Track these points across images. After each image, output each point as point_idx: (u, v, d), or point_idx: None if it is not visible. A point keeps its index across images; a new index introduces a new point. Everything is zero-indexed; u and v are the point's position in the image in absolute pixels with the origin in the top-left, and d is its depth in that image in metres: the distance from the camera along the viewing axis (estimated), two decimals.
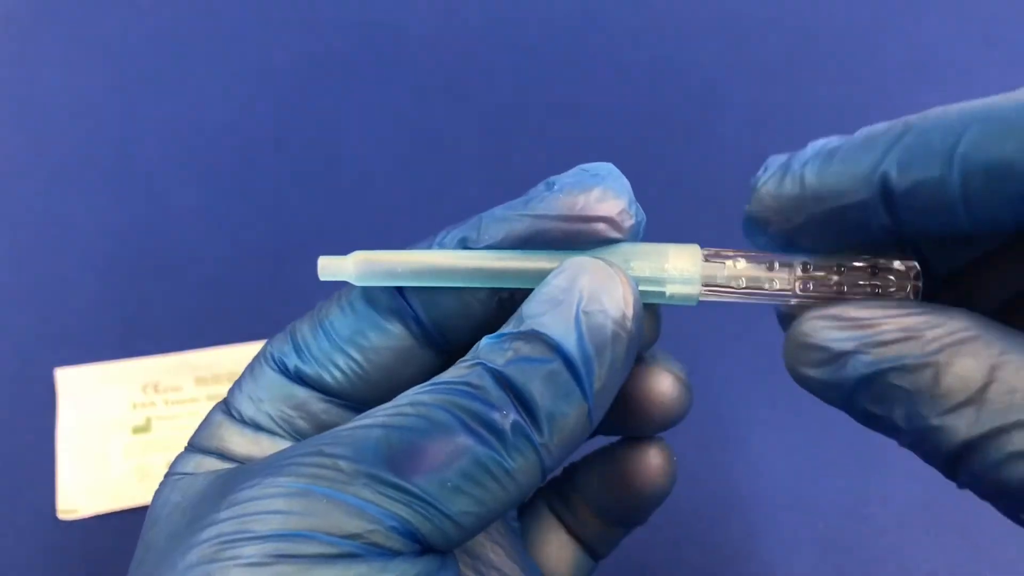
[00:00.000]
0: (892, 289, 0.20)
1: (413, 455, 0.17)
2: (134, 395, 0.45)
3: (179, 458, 0.21)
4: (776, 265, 0.21)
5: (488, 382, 0.18)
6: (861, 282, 0.20)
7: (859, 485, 0.43)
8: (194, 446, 0.21)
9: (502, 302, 0.21)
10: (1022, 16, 0.57)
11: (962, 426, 0.16)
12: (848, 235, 0.19)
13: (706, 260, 0.21)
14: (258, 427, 0.21)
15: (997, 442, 0.16)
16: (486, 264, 0.20)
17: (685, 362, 0.48)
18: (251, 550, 0.16)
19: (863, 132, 0.20)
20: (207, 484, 0.19)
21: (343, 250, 0.21)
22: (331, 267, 0.21)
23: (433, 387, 0.18)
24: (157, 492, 0.20)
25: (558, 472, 0.26)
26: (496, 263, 0.20)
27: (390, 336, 0.21)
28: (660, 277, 0.20)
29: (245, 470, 0.19)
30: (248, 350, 0.46)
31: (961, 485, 0.18)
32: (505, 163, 0.52)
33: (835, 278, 0.20)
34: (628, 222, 0.20)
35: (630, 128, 0.53)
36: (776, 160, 0.21)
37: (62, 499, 0.42)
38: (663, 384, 0.23)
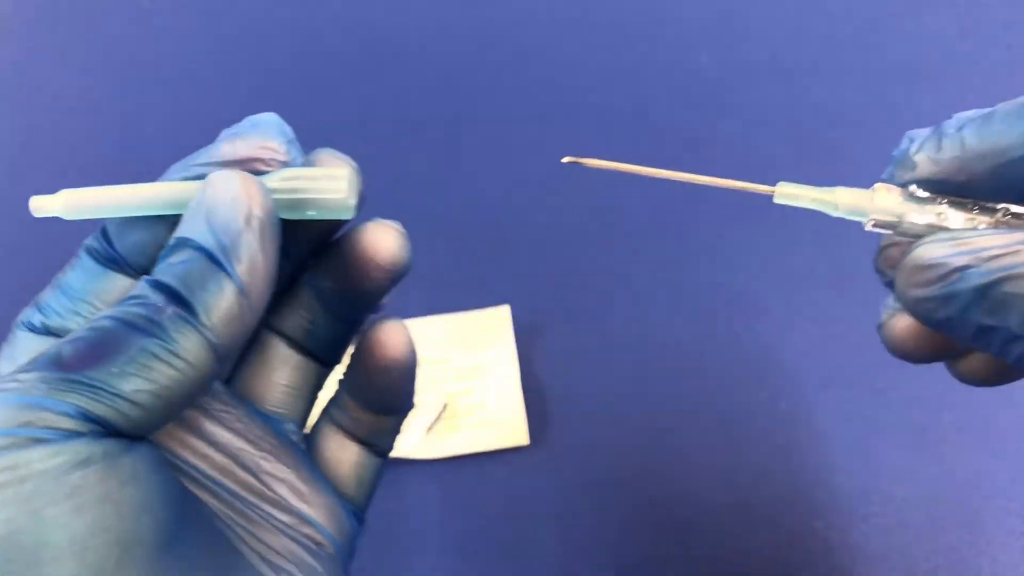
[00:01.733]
0: None
1: (82, 355, 0.19)
2: None
3: None
4: (974, 208, 0.22)
5: (147, 290, 0.21)
6: None
7: (860, 484, 0.44)
8: None
9: None
10: (1022, 16, 0.57)
11: None
12: (1010, 195, 0.22)
13: (906, 198, 0.23)
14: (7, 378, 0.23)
15: None
16: (166, 192, 0.23)
17: (684, 361, 0.48)
18: None
19: (1013, 101, 0.22)
20: None
21: None
22: (43, 205, 0.24)
23: (109, 308, 0.21)
24: None
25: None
26: (174, 190, 0.23)
27: (112, 281, 0.24)
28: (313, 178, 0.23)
29: None
30: None
31: None
32: (505, 163, 0.52)
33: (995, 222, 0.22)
34: (280, 158, 0.23)
35: (629, 128, 0.53)
36: (918, 133, 0.23)
37: None
38: (377, 234, 0.25)
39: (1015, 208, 0.22)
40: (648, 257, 0.49)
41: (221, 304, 0.21)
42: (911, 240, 0.23)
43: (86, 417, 0.19)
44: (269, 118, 0.24)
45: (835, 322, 0.47)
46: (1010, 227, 0.22)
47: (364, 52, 0.56)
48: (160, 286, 0.21)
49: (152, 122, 0.53)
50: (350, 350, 0.27)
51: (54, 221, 0.47)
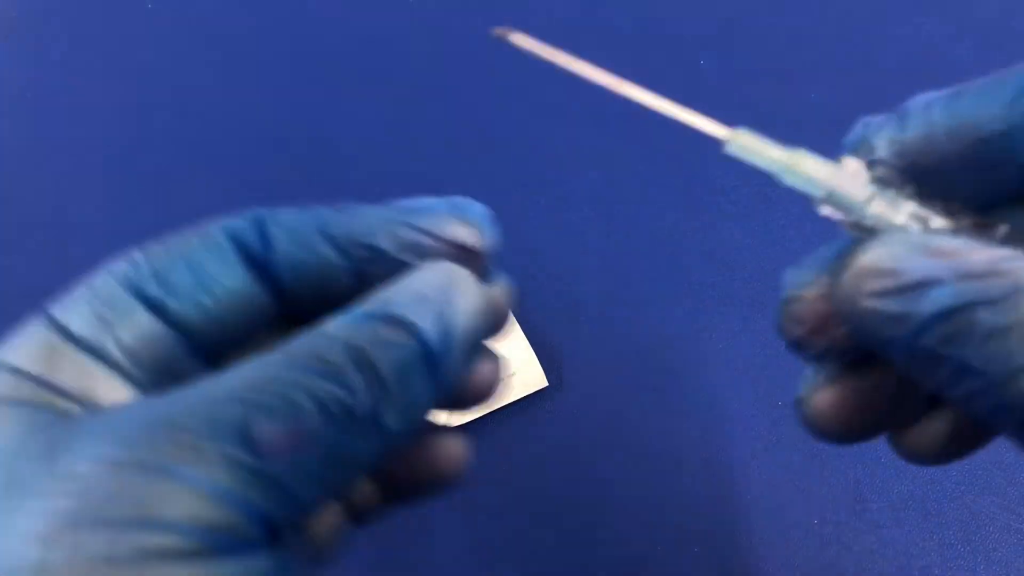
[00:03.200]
0: None
1: (275, 440, 0.16)
2: None
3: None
4: (955, 213, 0.19)
5: (350, 366, 0.17)
6: None
7: (854, 480, 0.44)
8: (6, 363, 0.18)
9: (360, 278, 0.20)
10: (1022, 16, 0.57)
11: None
12: (985, 177, 0.18)
13: (875, 184, 0.19)
14: (96, 355, 0.18)
15: None
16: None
17: (683, 362, 0.48)
18: (97, 540, 0.14)
19: (989, 76, 0.19)
20: (25, 431, 0.16)
21: None
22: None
23: (290, 361, 0.17)
24: None
25: None
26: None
27: (242, 280, 0.20)
28: None
29: (78, 428, 0.16)
30: None
31: None
32: (504, 163, 0.52)
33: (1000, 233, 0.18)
34: (481, 265, 0.21)
35: (629, 128, 0.53)
36: (874, 118, 0.20)
37: None
38: (449, 447, 0.22)
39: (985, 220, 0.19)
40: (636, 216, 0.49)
41: (417, 415, 0.18)
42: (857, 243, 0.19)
43: (268, 524, 0.16)
44: (481, 211, 0.21)
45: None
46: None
47: (365, 53, 0.56)
48: (366, 366, 0.17)
49: (152, 122, 0.54)
50: None
51: (54, 219, 0.47)
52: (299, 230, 0.20)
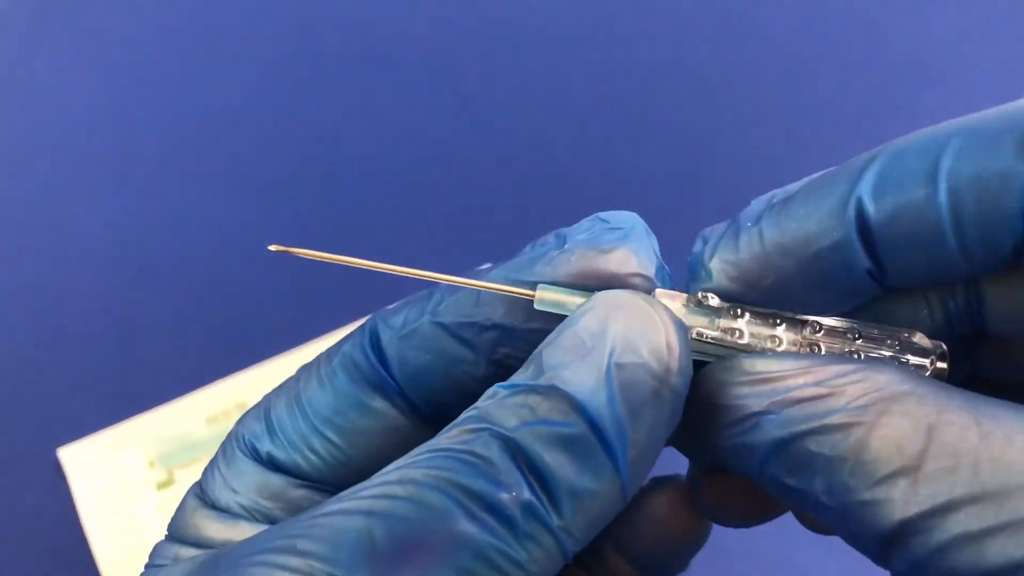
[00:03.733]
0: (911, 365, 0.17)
1: (401, 551, 0.14)
2: (148, 453, 0.44)
3: (157, 548, 0.19)
4: (779, 323, 0.17)
5: (495, 452, 0.15)
6: (879, 353, 0.17)
7: None
8: (171, 535, 0.19)
9: (495, 362, 0.18)
10: (1022, 16, 0.56)
11: (897, 501, 0.14)
12: (828, 291, 0.17)
13: (694, 306, 0.18)
14: (234, 515, 0.18)
15: (941, 522, 0.13)
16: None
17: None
18: None
19: (819, 174, 0.17)
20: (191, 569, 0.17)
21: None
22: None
23: (428, 457, 0.15)
24: None
25: None
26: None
27: (373, 415, 0.18)
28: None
29: (219, 560, 0.17)
30: (252, 375, 0.46)
31: (896, 575, 0.15)
32: (504, 164, 0.52)
33: (849, 346, 0.17)
34: (650, 286, 0.17)
35: (629, 128, 0.53)
36: (714, 230, 0.18)
37: (107, 572, 0.42)
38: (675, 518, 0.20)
39: (828, 321, 0.17)
40: None
41: (596, 504, 0.15)
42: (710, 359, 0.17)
43: None
44: (633, 222, 0.18)
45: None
46: (819, 350, 0.17)
47: (365, 53, 0.56)
48: (516, 453, 0.15)
49: (152, 122, 0.53)
50: None
51: (53, 220, 0.46)
52: (409, 328, 0.18)
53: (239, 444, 0.19)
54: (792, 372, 0.15)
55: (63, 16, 0.57)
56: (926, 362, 0.17)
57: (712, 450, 0.16)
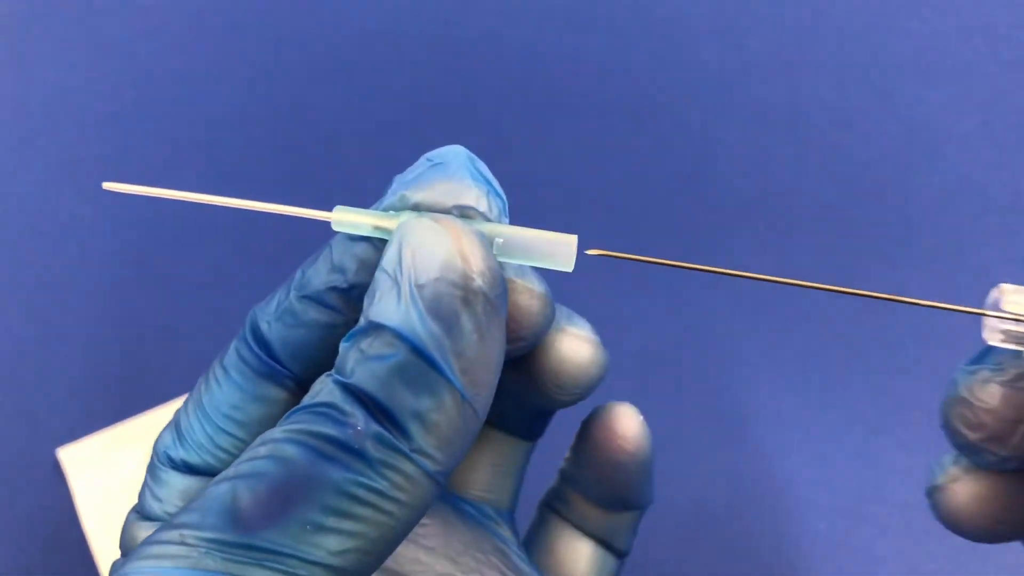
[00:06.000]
0: None
1: (265, 503, 0.15)
2: (148, 453, 0.44)
3: (113, 565, 0.19)
4: None
5: (338, 396, 0.15)
6: None
7: (861, 485, 0.43)
8: (121, 550, 0.20)
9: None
10: (1022, 16, 0.56)
11: None
12: None
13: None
14: (160, 520, 0.19)
15: None
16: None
17: (687, 364, 0.48)
18: None
19: None
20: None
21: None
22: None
23: (288, 417, 0.16)
24: None
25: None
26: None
27: (268, 402, 0.19)
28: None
29: (128, 556, 0.17)
30: None
31: None
32: (504, 164, 0.52)
33: None
34: (483, 207, 0.18)
35: (629, 128, 0.53)
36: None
37: (106, 572, 0.42)
38: (566, 346, 0.20)
39: None
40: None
41: (440, 420, 0.15)
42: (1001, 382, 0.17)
43: None
44: (455, 154, 0.18)
45: (837, 320, 0.47)
46: None
47: (364, 53, 0.56)
48: (356, 394, 0.15)
49: (152, 122, 0.53)
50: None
51: (53, 220, 0.46)
52: (281, 308, 0.19)
53: (158, 458, 0.20)
54: None
55: (63, 16, 0.57)
56: None
57: (974, 452, 0.16)
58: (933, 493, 0.19)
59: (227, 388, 0.19)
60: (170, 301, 0.48)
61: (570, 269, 0.19)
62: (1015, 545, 0.43)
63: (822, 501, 0.43)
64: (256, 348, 0.19)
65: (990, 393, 0.17)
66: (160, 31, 0.56)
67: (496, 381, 0.17)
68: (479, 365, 0.16)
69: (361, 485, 0.15)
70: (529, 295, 0.19)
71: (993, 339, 0.18)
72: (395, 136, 0.53)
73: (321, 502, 0.15)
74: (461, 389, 0.16)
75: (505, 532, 0.23)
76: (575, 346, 0.20)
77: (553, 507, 0.24)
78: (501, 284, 0.17)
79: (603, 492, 0.23)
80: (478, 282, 0.16)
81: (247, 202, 0.19)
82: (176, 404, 0.45)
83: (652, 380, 0.46)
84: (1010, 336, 0.17)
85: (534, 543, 0.24)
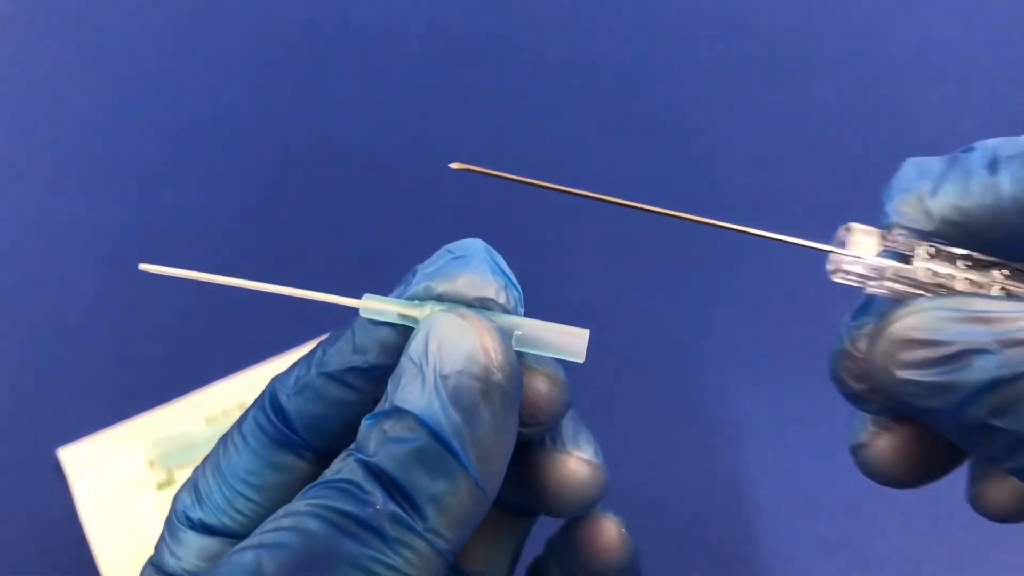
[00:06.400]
0: None
1: (285, 574, 0.16)
2: (148, 453, 0.44)
3: None
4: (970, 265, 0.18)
5: (360, 475, 0.17)
6: None
7: (862, 485, 0.43)
8: None
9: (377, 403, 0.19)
10: (1022, 16, 0.56)
11: None
12: None
13: (889, 245, 0.18)
14: None
15: None
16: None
17: (686, 364, 0.48)
18: None
19: None
20: None
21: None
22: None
23: (309, 490, 0.17)
24: None
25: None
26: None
27: (284, 469, 0.20)
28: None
29: None
30: (252, 375, 0.46)
31: None
32: (504, 163, 0.52)
33: None
34: (502, 300, 0.19)
35: (629, 128, 0.53)
36: (928, 164, 0.18)
37: (106, 572, 0.42)
38: (569, 467, 0.21)
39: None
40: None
41: (453, 504, 0.17)
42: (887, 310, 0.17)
43: None
44: (475, 248, 0.20)
45: (837, 319, 0.47)
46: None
47: (364, 53, 0.56)
48: (377, 473, 0.17)
49: (153, 122, 0.53)
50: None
51: (53, 220, 0.46)
52: (301, 383, 0.20)
53: (176, 517, 0.21)
54: (1013, 313, 0.15)
55: (64, 17, 0.57)
56: None
57: (894, 387, 0.16)
58: (856, 450, 0.21)
59: (244, 454, 0.20)
60: (170, 303, 0.48)
61: (581, 360, 0.20)
62: (1014, 545, 0.43)
63: (821, 501, 0.43)
64: (274, 418, 0.20)
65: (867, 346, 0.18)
66: (160, 32, 0.56)
67: (505, 468, 0.18)
68: (493, 454, 0.17)
69: (377, 561, 0.16)
70: (548, 382, 0.20)
71: (835, 276, 0.19)
72: (394, 137, 0.53)
73: (340, 574, 0.16)
74: (476, 476, 0.17)
75: None
76: (578, 469, 0.21)
77: None
78: (518, 378, 0.18)
79: None
80: (498, 376, 0.17)
81: (282, 288, 0.20)
82: (176, 405, 0.45)
83: (652, 380, 0.46)
84: (848, 276, 0.18)
85: None
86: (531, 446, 0.21)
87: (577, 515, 0.22)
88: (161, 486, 0.44)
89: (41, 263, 0.49)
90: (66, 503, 0.44)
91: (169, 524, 0.21)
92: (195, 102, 0.54)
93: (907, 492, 0.43)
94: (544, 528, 0.26)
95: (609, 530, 0.23)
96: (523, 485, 0.21)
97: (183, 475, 0.44)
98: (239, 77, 0.55)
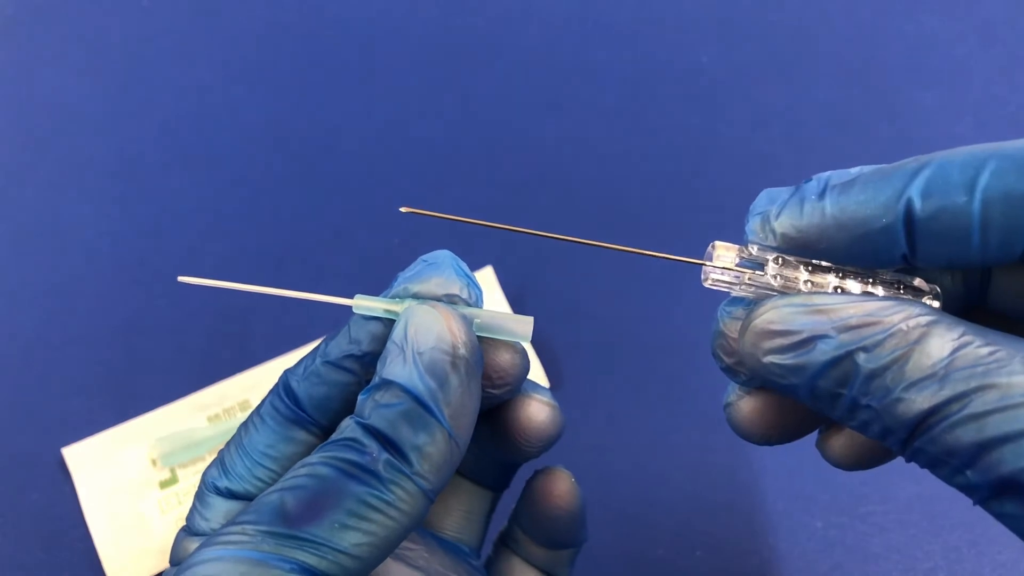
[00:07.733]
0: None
1: (305, 507, 0.20)
2: (151, 452, 0.44)
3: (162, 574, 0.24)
4: (810, 269, 0.22)
5: (360, 433, 0.21)
6: (891, 292, 0.22)
7: (859, 483, 0.44)
8: (171, 562, 0.25)
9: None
10: (1022, 16, 0.57)
11: (924, 397, 0.18)
12: (865, 262, 0.21)
13: (745, 257, 0.23)
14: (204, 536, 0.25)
15: (956, 406, 0.18)
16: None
17: (685, 363, 0.48)
18: None
19: (873, 168, 0.21)
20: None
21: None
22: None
23: (320, 448, 0.22)
24: None
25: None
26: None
27: (296, 442, 0.24)
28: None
29: (194, 552, 0.22)
30: (253, 375, 0.46)
31: (909, 457, 0.19)
32: (504, 163, 0.52)
33: (866, 286, 0.22)
34: (465, 295, 0.24)
35: (629, 128, 0.53)
36: (778, 193, 0.22)
37: (111, 572, 0.42)
38: (531, 409, 0.26)
39: (887, 275, 0.22)
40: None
41: (433, 452, 0.21)
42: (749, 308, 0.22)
43: (310, 573, 0.20)
44: (443, 257, 0.24)
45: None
46: (869, 295, 0.21)
47: (364, 53, 0.56)
48: (372, 431, 0.21)
49: (154, 122, 0.53)
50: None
51: (54, 220, 0.47)
52: (308, 371, 0.24)
53: (205, 487, 0.25)
54: (843, 305, 0.20)
55: (66, 19, 0.57)
56: (924, 300, 0.22)
57: (761, 369, 0.21)
58: (725, 409, 0.25)
59: (263, 431, 0.24)
60: (173, 303, 0.48)
61: (527, 342, 0.24)
62: (1010, 543, 0.43)
63: (819, 499, 0.43)
64: (287, 400, 0.24)
65: (737, 328, 0.23)
66: (161, 32, 0.57)
67: (473, 424, 0.22)
68: (463, 412, 0.22)
69: (375, 497, 0.21)
70: (511, 351, 0.24)
71: (706, 283, 0.24)
72: (394, 135, 0.53)
73: (346, 508, 0.20)
74: (449, 429, 0.21)
75: (476, 563, 0.29)
76: (539, 408, 0.26)
77: (506, 543, 0.30)
78: (478, 353, 0.23)
79: (544, 536, 0.29)
80: (462, 351, 0.22)
81: (288, 291, 0.25)
82: (178, 404, 0.45)
83: (652, 380, 0.46)
84: (717, 282, 0.23)
85: (491, 572, 0.30)
86: (502, 405, 0.26)
87: (539, 453, 0.26)
88: (164, 484, 0.44)
89: (44, 264, 0.50)
90: (70, 501, 0.44)
91: (199, 494, 0.25)
92: (195, 102, 0.54)
93: (906, 491, 0.43)
94: (508, 507, 0.30)
95: (562, 479, 0.28)
96: (497, 433, 0.26)
97: (185, 473, 0.44)
98: (242, 78, 0.55)
